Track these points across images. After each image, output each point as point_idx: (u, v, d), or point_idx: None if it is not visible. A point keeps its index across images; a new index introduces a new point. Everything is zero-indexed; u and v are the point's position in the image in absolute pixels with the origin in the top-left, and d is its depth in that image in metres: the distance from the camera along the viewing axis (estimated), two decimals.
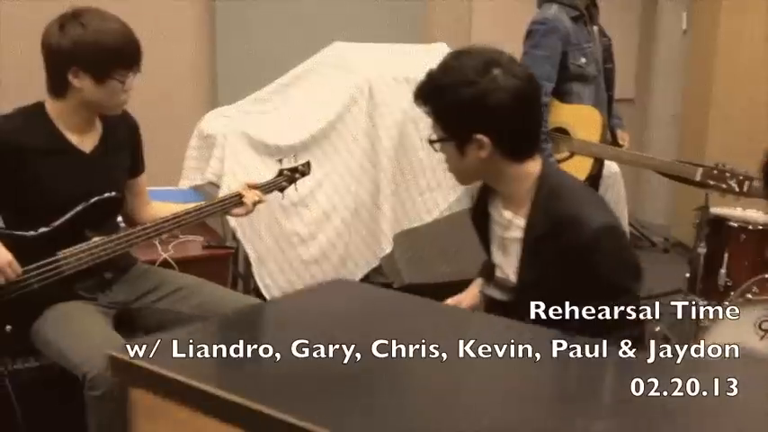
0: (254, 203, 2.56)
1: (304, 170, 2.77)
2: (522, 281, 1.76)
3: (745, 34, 4.91)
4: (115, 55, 2.21)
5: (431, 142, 1.79)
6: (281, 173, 2.71)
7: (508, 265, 1.83)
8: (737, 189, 2.96)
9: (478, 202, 1.98)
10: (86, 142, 2.37)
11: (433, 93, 1.73)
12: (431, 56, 3.80)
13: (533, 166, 1.76)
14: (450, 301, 2.05)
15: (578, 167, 3.32)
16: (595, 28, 3.37)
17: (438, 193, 3.65)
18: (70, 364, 2.16)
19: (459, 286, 4.37)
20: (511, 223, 1.80)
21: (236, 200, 2.54)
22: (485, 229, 1.95)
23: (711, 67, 5.03)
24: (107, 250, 2.32)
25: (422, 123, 3.54)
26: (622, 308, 1.64)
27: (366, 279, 3.65)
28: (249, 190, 2.55)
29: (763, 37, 4.91)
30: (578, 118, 3.32)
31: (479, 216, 1.96)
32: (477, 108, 1.68)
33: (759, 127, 4.66)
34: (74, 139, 2.34)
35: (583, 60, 3.28)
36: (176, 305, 2.50)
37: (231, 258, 3.28)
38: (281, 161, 2.72)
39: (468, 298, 2.05)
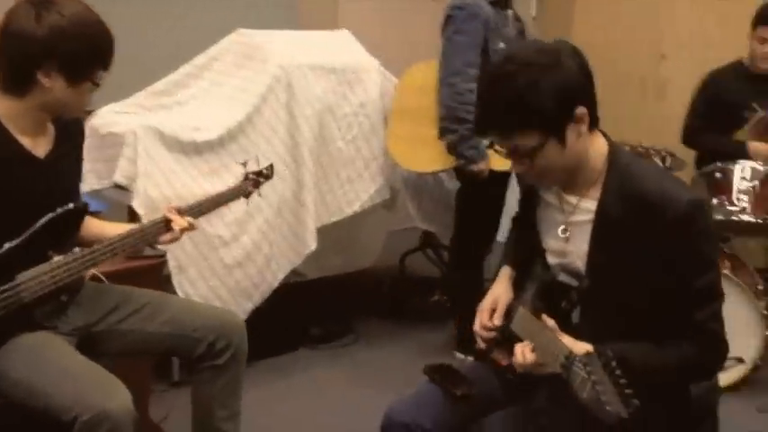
0: (183, 230, 2.22)
1: (268, 173, 2.56)
2: (596, 265, 1.71)
3: (597, 22, 5.20)
4: (98, 53, 1.92)
5: (531, 157, 1.65)
6: (246, 177, 2.49)
7: (572, 252, 1.78)
8: (662, 164, 3.12)
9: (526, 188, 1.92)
10: (39, 146, 2.05)
11: (521, 96, 1.60)
12: (337, 42, 3.71)
13: (602, 141, 1.73)
14: (486, 303, 1.97)
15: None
16: (510, 12, 3.41)
17: (359, 184, 3.55)
18: (53, 407, 1.86)
19: (354, 278, 4.39)
20: (577, 207, 1.76)
21: (162, 227, 2.18)
22: (531, 214, 1.89)
23: None
24: (70, 271, 2.02)
25: (339, 112, 3.43)
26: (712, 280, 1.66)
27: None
28: (175, 213, 2.22)
29: (616, 22, 5.22)
30: None
31: (528, 201, 1.90)
32: (572, 77, 1.62)
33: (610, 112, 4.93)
34: (26, 142, 2.01)
35: (502, 45, 3.30)
36: (143, 324, 2.24)
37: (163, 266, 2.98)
38: (245, 164, 2.50)
39: (503, 293, 1.97)
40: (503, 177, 3.46)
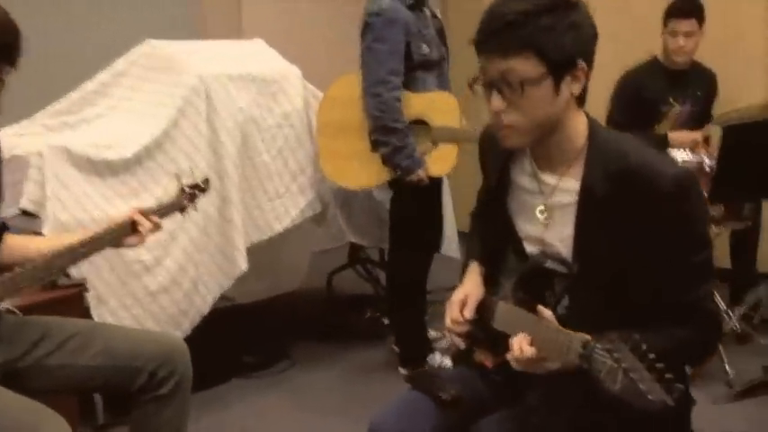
0: (150, 232, 2.10)
1: (204, 187, 2.36)
2: (583, 249, 1.59)
3: None
4: (3, 45, 1.70)
5: (521, 87, 1.50)
6: (182, 191, 2.28)
7: (553, 237, 1.66)
8: None
9: (496, 170, 1.78)
10: None
11: (537, 15, 1.47)
12: (252, 51, 3.53)
13: (584, 119, 1.62)
14: (455, 297, 1.81)
15: (444, 157, 3.24)
16: (427, 11, 3.30)
17: (288, 198, 3.35)
18: None
19: (282, 301, 4.19)
20: (557, 188, 1.64)
21: (127, 229, 2.07)
22: (500, 202, 1.76)
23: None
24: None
25: (263, 123, 3.25)
26: (706, 257, 1.56)
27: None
28: (140, 215, 2.08)
29: None
30: (433, 105, 3.23)
31: (499, 187, 1.76)
32: (584, 27, 1.51)
33: None
34: None
35: (425, 48, 3.20)
36: (74, 357, 1.99)
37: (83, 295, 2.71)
38: (178, 177, 2.28)
39: (473, 288, 1.83)
40: (437, 182, 3.35)
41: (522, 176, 1.72)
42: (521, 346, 1.51)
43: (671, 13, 3.69)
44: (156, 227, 2.12)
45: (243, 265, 3.16)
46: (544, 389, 1.67)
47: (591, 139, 1.59)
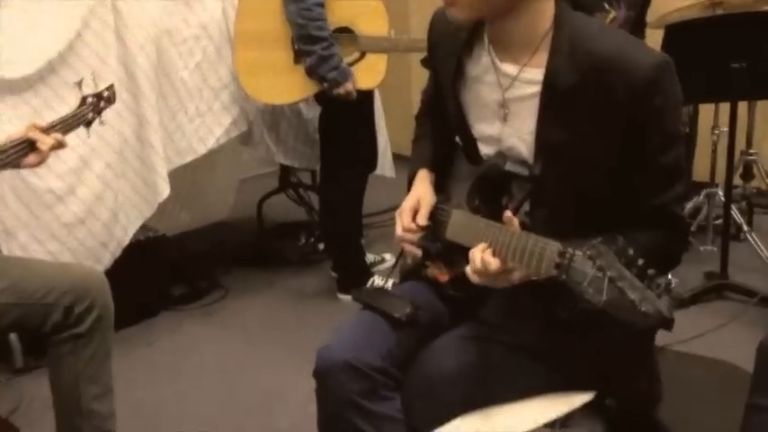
0: (52, 149, 1.88)
1: (110, 95, 2.10)
2: (546, 146, 1.43)
3: None
4: None
5: None
6: (83, 101, 2.02)
7: (512, 135, 1.49)
8: None
9: (447, 61, 1.58)
10: None
11: None
12: None
13: (549, 1, 1.44)
14: (406, 204, 1.64)
15: (373, 68, 3.03)
16: None
17: (210, 117, 3.10)
18: None
19: (211, 231, 3.97)
20: (517, 79, 1.46)
21: (26, 148, 1.84)
22: (455, 95, 1.58)
23: None
24: None
25: (178, 36, 2.98)
26: (677, 156, 1.41)
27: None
28: (39, 132, 1.85)
29: None
30: (360, 12, 3.00)
31: (452, 81, 1.57)
32: None
33: None
34: None
35: None
36: None
37: None
38: (79, 85, 2.02)
39: (425, 194, 1.65)
40: (368, 96, 3.15)
41: (478, 67, 1.54)
42: (483, 257, 1.36)
43: None
44: (59, 144, 1.88)
45: (165, 191, 2.92)
46: (503, 303, 1.53)
47: (557, 24, 1.41)
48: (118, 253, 2.90)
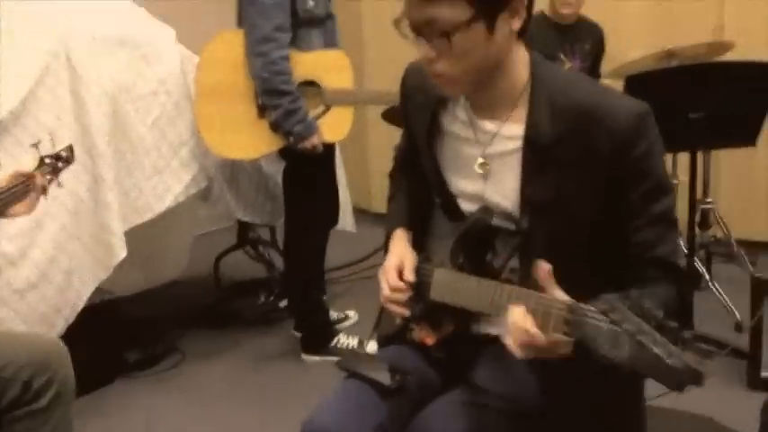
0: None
1: (68, 156, 2.01)
2: (531, 201, 1.38)
3: None
4: None
5: (448, 35, 1.27)
6: (41, 162, 1.92)
7: (495, 191, 1.44)
8: None
9: (422, 117, 1.53)
10: None
11: None
12: (119, 10, 3.13)
13: (524, 50, 1.41)
14: (390, 263, 1.57)
15: (338, 121, 2.98)
16: None
17: (168, 174, 3.00)
18: None
19: (166, 291, 3.82)
20: (497, 135, 1.42)
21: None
22: (431, 151, 1.53)
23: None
24: None
25: (135, 91, 2.89)
26: (669, 204, 1.38)
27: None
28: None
29: None
30: (324, 65, 2.97)
31: (427, 136, 1.52)
32: None
33: None
34: None
35: (311, 3, 2.92)
36: None
37: None
38: (36, 146, 1.92)
39: (406, 253, 1.59)
40: (331, 149, 3.09)
41: (455, 123, 1.49)
42: (528, 329, 1.19)
43: None
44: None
45: (121, 252, 2.80)
46: (496, 366, 1.47)
47: (534, 77, 1.39)
48: (72, 318, 2.76)
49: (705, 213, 3.84)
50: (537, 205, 1.38)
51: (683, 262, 1.42)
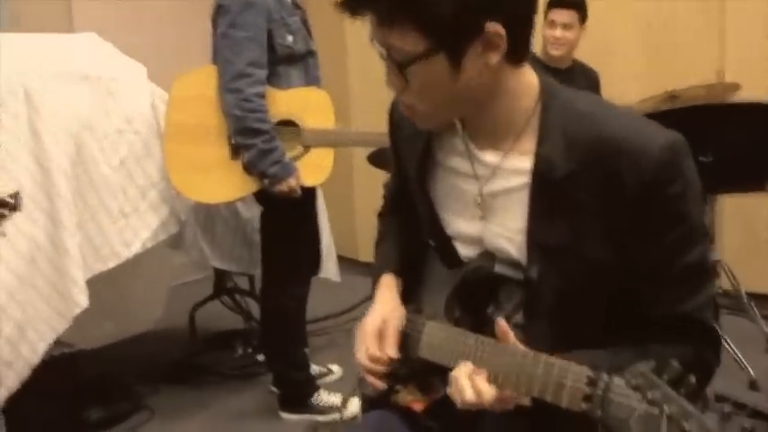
0: None
1: (15, 203, 1.80)
2: (540, 245, 1.17)
3: None
4: None
5: (401, 68, 1.11)
6: None
7: (495, 233, 1.24)
8: None
9: (414, 151, 1.34)
10: None
11: None
12: (85, 46, 2.96)
13: (531, 75, 1.21)
14: (369, 326, 1.35)
15: (318, 163, 2.79)
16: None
17: (135, 218, 2.78)
18: None
19: (136, 343, 3.58)
20: (499, 169, 1.22)
21: None
22: (424, 187, 1.33)
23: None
24: None
25: (100, 129, 2.70)
26: (704, 254, 1.17)
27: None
28: None
29: None
30: (303, 104, 2.78)
31: (420, 171, 1.32)
32: None
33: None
34: None
35: (290, 39, 2.75)
36: None
37: None
38: None
39: (391, 310, 1.37)
40: (311, 193, 2.89)
41: (452, 157, 1.30)
42: (474, 384, 1.08)
43: (550, 4, 3.45)
44: None
45: (82, 302, 2.57)
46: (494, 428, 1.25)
47: (544, 103, 1.19)
48: (26, 374, 2.51)
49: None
50: (547, 251, 1.17)
51: (711, 320, 1.20)
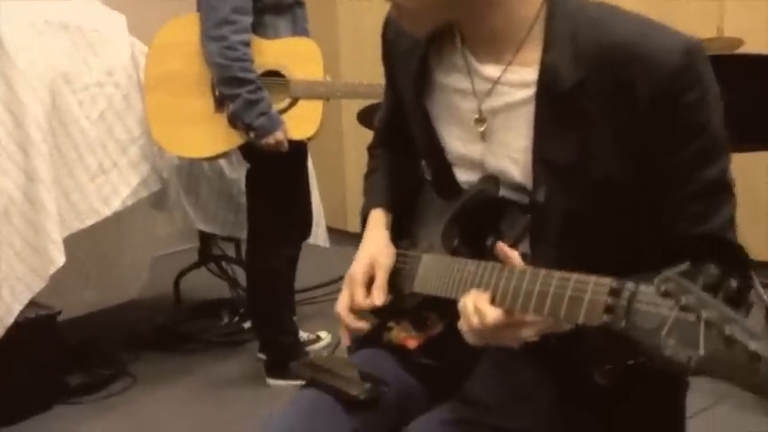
0: None
1: None
2: (548, 166, 1.06)
3: None
4: None
5: None
6: None
7: (498, 154, 1.13)
8: None
9: (409, 69, 1.22)
10: None
11: None
12: None
13: None
14: (358, 271, 1.25)
15: (307, 117, 2.67)
16: None
17: (115, 174, 2.66)
18: None
19: (121, 311, 3.48)
20: (500, 82, 1.11)
21: None
22: (421, 108, 1.22)
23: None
24: None
25: (79, 81, 2.58)
26: (724, 167, 1.06)
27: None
28: None
29: None
30: (291, 54, 2.66)
31: (416, 89, 1.21)
32: None
33: None
34: None
35: None
36: None
37: None
38: None
39: (381, 250, 1.27)
40: (302, 149, 2.78)
41: (451, 75, 1.18)
42: (478, 308, 0.98)
43: None
44: None
45: (59, 259, 2.46)
46: (496, 375, 1.15)
47: (550, 9, 1.07)
48: (0, 334, 2.41)
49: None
50: (555, 170, 1.07)
51: (735, 238, 1.09)
